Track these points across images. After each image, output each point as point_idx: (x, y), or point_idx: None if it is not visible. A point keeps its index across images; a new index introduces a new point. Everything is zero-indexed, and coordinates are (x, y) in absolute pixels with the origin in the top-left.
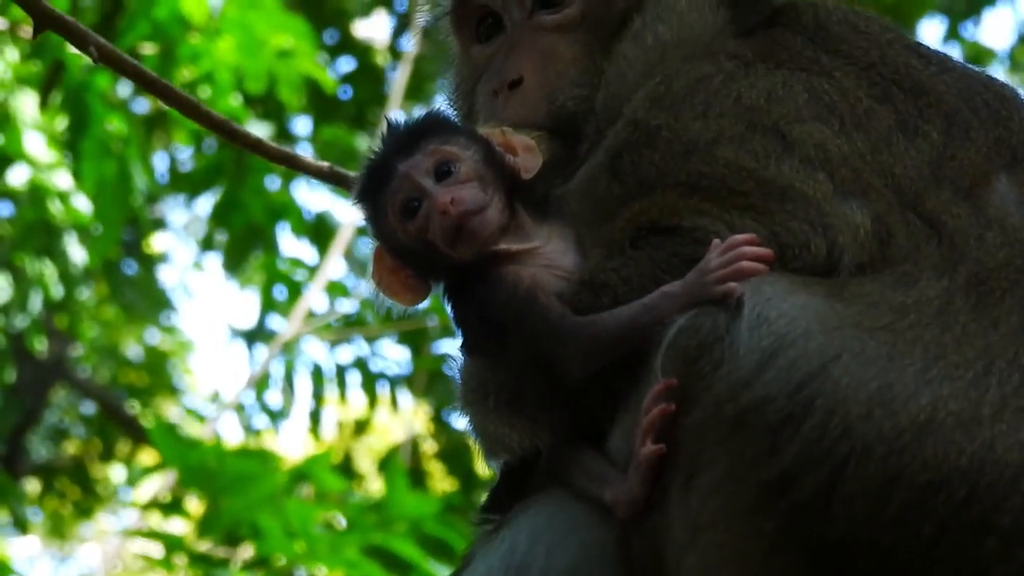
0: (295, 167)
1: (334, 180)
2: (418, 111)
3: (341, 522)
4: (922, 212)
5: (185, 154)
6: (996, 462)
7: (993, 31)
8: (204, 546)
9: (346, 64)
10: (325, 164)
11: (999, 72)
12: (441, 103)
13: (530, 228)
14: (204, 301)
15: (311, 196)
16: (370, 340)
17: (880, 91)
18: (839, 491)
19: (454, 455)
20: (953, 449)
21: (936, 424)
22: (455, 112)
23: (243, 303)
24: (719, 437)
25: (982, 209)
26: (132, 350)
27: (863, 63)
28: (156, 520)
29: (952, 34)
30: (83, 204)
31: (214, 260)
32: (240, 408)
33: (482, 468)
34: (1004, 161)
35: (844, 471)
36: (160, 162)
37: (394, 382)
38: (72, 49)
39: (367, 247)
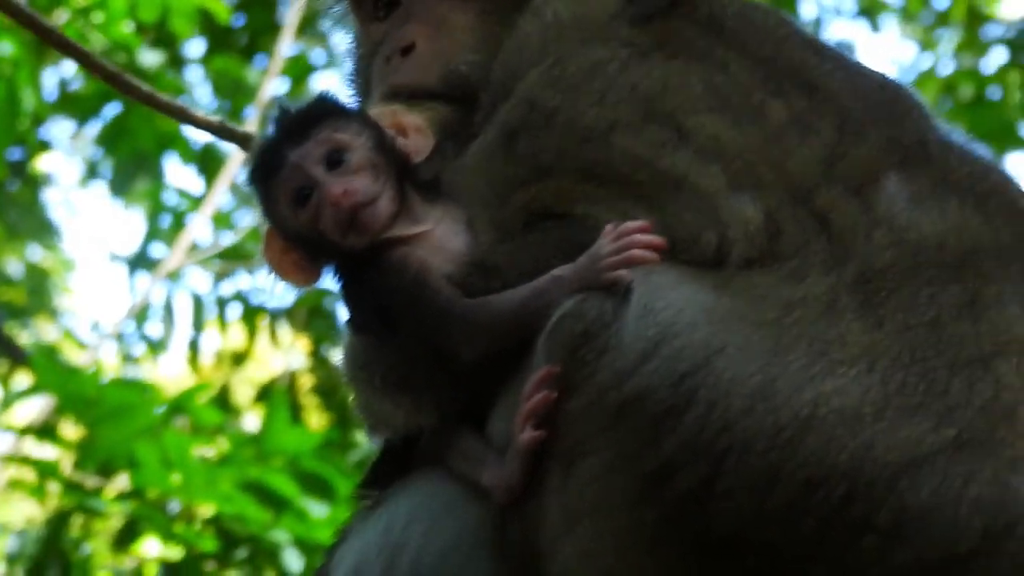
0: (187, 121)
1: (225, 134)
2: (305, 46)
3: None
4: (812, 208)
5: (73, 72)
6: (875, 461)
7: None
8: (78, 475)
9: None
10: (215, 118)
11: (893, 23)
12: (334, 51)
13: (420, 211)
14: (88, 222)
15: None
16: (252, 272)
17: (774, 86)
18: (720, 484)
19: (330, 391)
20: (834, 446)
21: (817, 420)
22: (354, 91)
23: (127, 227)
24: (601, 426)
25: (871, 207)
26: (13, 268)
27: (758, 57)
28: (30, 446)
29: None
30: None
31: (99, 183)
32: (119, 336)
33: None
34: (896, 160)
35: (724, 464)
36: (49, 79)
37: (274, 316)
38: None
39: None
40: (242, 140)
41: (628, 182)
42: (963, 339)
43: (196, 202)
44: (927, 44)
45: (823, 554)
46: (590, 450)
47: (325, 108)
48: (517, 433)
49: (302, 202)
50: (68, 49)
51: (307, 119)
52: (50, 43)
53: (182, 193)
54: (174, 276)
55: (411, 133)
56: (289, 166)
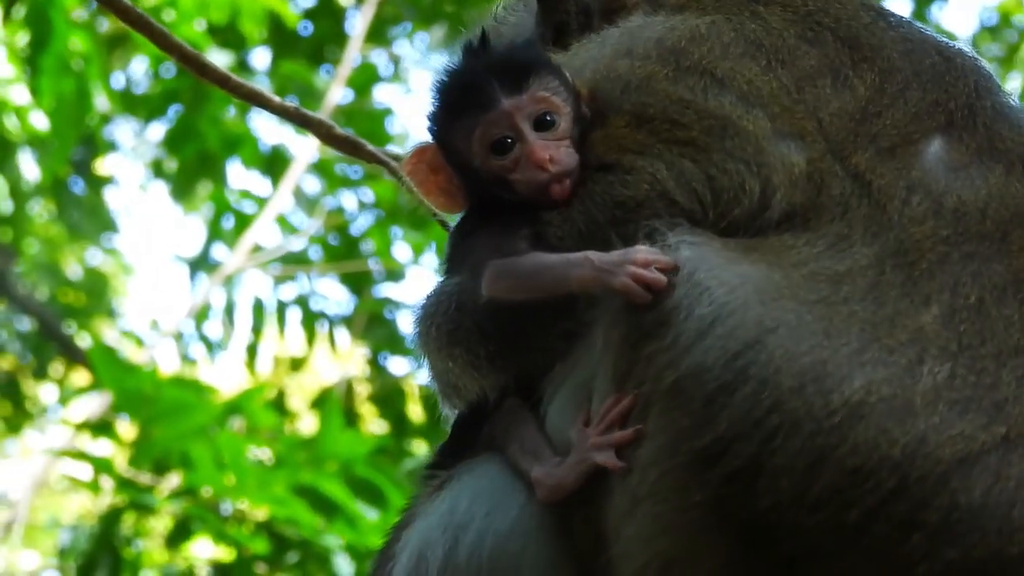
0: (262, 105)
1: (299, 120)
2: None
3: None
4: (848, 167)
5: (141, 74)
6: (928, 456)
7: (957, 16)
8: (131, 472)
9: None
10: (291, 104)
11: None
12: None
13: None
14: (147, 225)
15: (267, 127)
16: (313, 278)
17: (812, 35)
18: (766, 464)
19: (387, 399)
20: (885, 438)
21: (868, 408)
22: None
23: (187, 230)
24: (659, 407)
25: (908, 171)
26: (72, 269)
27: (801, 11)
28: (85, 442)
29: (917, 16)
30: (39, 120)
31: (160, 185)
32: (178, 336)
33: (415, 413)
34: (938, 124)
35: (772, 444)
36: (116, 82)
37: (333, 322)
38: None
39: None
40: (316, 126)
41: (676, 126)
42: (1008, 324)
43: (261, 203)
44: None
45: (866, 546)
46: (650, 432)
47: (540, 60)
48: (588, 444)
49: (501, 150)
50: (146, 28)
51: (523, 67)
52: (128, 22)
53: (247, 194)
54: (233, 278)
55: (584, 98)
56: (500, 111)
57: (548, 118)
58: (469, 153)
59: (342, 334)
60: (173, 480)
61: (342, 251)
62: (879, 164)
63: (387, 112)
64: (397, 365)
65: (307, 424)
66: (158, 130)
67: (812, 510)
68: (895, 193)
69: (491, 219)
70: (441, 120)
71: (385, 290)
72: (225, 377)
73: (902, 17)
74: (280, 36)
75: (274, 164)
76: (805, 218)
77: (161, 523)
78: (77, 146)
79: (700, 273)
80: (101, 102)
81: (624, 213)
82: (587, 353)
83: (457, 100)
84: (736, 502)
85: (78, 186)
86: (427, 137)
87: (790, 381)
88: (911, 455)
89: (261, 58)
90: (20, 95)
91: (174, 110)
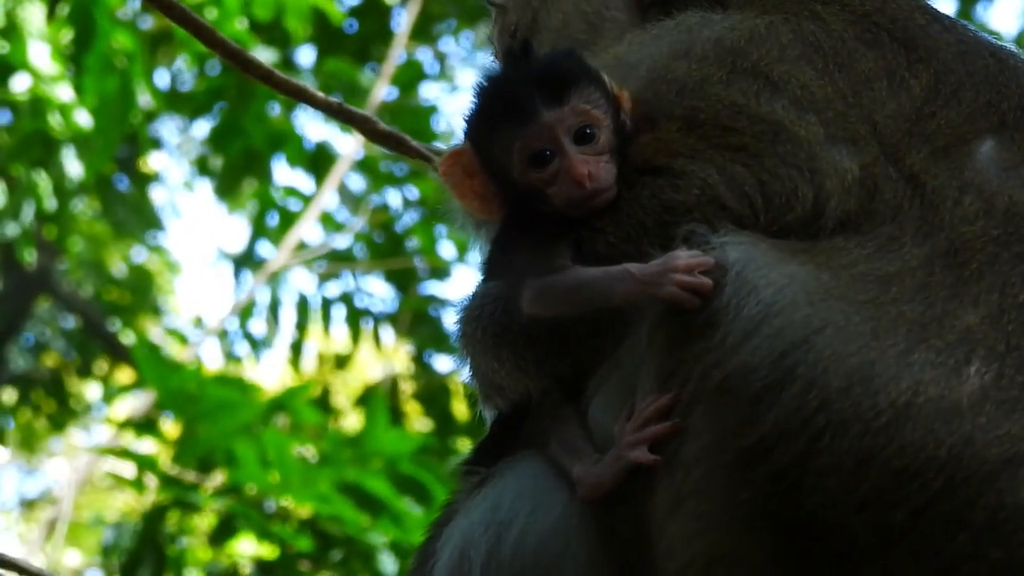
0: (305, 101)
1: (343, 116)
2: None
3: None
4: (903, 168)
5: (185, 72)
6: (974, 456)
7: (1003, 15)
8: (175, 470)
9: None
10: (335, 100)
11: None
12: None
13: None
14: (192, 223)
15: (312, 124)
16: (357, 275)
17: (871, 36)
18: (813, 464)
19: (432, 397)
20: (932, 438)
21: (915, 409)
22: None
23: (231, 228)
24: (706, 406)
25: (960, 171)
26: (117, 267)
27: (859, 11)
28: (129, 440)
29: (963, 15)
30: (83, 118)
31: (205, 182)
32: (223, 334)
33: (459, 411)
34: (991, 124)
35: (819, 443)
36: (160, 79)
37: (378, 319)
38: None
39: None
40: (361, 122)
41: (728, 131)
42: None
43: (306, 200)
44: None
45: (912, 546)
46: (695, 431)
47: (581, 70)
48: (623, 440)
49: (540, 162)
50: (190, 24)
51: (564, 78)
52: (172, 18)
53: (292, 191)
54: (278, 275)
55: (625, 105)
56: (540, 124)
57: (588, 131)
58: (507, 162)
59: (387, 332)
60: (217, 478)
61: (387, 248)
62: (933, 165)
63: (432, 109)
64: (442, 363)
65: (352, 422)
66: (203, 127)
67: (858, 509)
68: (948, 193)
69: (529, 229)
70: (480, 127)
71: (430, 288)
72: (269, 375)
73: (956, 20)
74: (325, 33)
75: (319, 161)
76: (858, 223)
77: (205, 521)
78: (122, 144)
79: (748, 273)
80: (145, 100)
81: (673, 217)
82: (632, 351)
83: (498, 109)
84: (782, 501)
85: (123, 183)
86: (464, 140)
87: (838, 381)
88: (957, 455)
89: (306, 56)
90: (64, 93)
91: (219, 107)
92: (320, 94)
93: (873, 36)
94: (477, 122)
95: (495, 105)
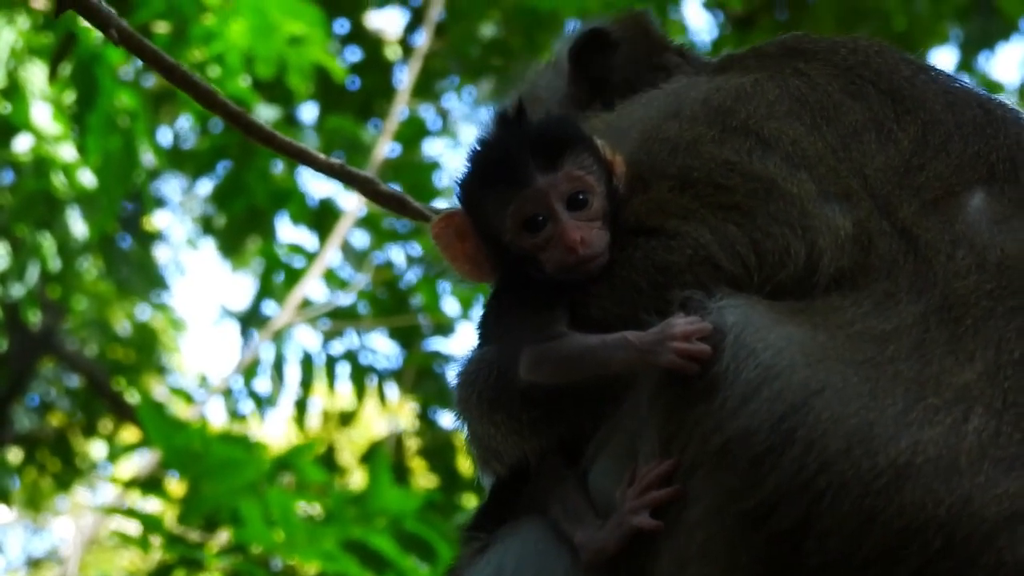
0: (307, 163)
1: (345, 177)
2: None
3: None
4: (896, 222)
5: (188, 130)
6: (973, 515)
7: (1005, 65)
8: (181, 529)
9: (353, 54)
10: (337, 161)
11: None
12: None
13: None
14: (196, 281)
15: (315, 181)
16: (361, 333)
17: (856, 89)
18: (814, 526)
19: (437, 453)
20: (931, 498)
21: (914, 469)
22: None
23: (236, 285)
24: (706, 470)
25: (951, 224)
26: (122, 326)
27: (842, 66)
28: (134, 499)
29: (964, 66)
30: (87, 177)
31: (209, 240)
32: (227, 392)
33: (465, 467)
34: (979, 176)
35: (820, 505)
36: (163, 138)
37: (382, 376)
38: (87, 23)
39: (365, 239)
40: (362, 183)
41: (721, 189)
42: None
43: (311, 257)
44: None
45: None
46: (697, 495)
47: (575, 135)
48: (625, 506)
49: (533, 227)
50: (191, 86)
51: (558, 144)
52: (172, 81)
53: (296, 248)
54: (282, 333)
55: (617, 170)
56: (534, 190)
57: (581, 197)
58: (500, 227)
59: (391, 388)
60: (223, 537)
61: (391, 305)
62: (924, 218)
63: (435, 166)
64: (447, 419)
65: (357, 479)
66: (206, 185)
67: (860, 570)
68: (940, 247)
69: (523, 293)
70: (473, 190)
71: (434, 344)
72: (274, 433)
73: (941, 70)
74: (328, 90)
75: (322, 218)
76: (853, 279)
77: None
78: (125, 202)
79: (746, 336)
80: (148, 158)
81: (667, 278)
82: (631, 414)
83: (491, 173)
84: (784, 562)
85: (126, 242)
86: (457, 203)
87: (837, 443)
88: (957, 514)
89: (309, 112)
90: (67, 152)
91: (222, 166)
92: (322, 156)
93: (858, 88)
94: (470, 185)
95: (488, 169)
